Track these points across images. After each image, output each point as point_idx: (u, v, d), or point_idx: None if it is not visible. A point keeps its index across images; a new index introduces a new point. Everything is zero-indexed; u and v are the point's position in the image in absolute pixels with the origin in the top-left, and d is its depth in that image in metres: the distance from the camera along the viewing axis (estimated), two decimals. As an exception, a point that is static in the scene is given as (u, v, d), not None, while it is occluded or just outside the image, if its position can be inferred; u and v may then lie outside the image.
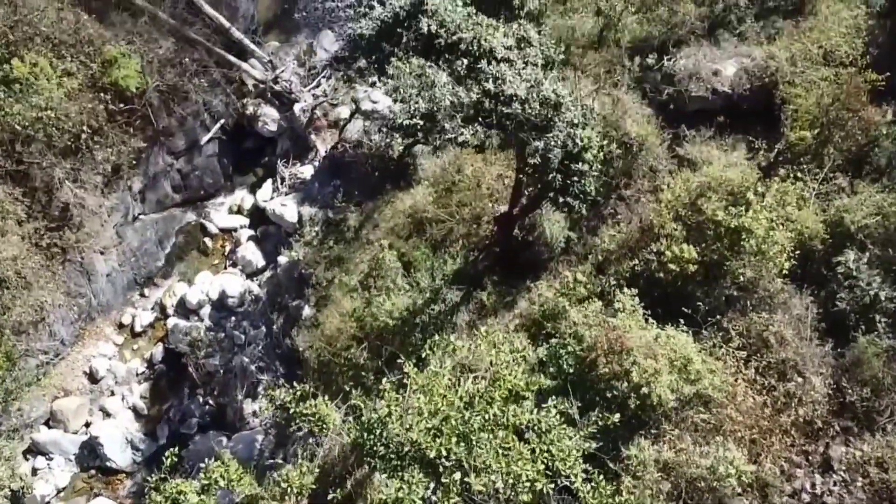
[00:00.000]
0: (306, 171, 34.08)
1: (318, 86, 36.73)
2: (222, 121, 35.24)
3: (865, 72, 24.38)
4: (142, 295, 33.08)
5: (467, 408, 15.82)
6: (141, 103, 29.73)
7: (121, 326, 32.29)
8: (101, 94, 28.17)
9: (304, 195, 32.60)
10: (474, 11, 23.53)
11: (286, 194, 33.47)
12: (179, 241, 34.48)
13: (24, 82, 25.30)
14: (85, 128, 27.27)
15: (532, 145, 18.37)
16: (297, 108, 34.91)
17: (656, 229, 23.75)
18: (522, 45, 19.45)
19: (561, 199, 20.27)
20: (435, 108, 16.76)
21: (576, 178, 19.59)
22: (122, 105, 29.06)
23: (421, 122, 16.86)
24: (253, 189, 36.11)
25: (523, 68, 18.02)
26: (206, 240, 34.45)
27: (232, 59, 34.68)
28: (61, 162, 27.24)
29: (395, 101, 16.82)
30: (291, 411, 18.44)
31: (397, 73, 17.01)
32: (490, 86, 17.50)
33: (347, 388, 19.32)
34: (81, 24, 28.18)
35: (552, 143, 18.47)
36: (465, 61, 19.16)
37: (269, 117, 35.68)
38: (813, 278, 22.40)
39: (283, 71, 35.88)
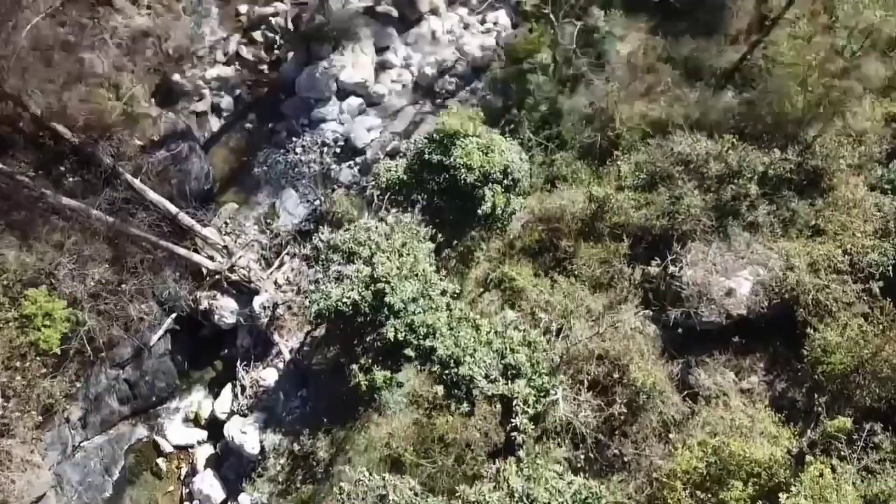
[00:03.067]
0: (269, 376, 31.90)
1: (281, 265, 34.68)
2: (173, 315, 33.05)
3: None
4: (86, 539, 30.60)
5: None
6: (71, 348, 27.51)
7: (61, 585, 29.74)
8: (19, 360, 25.84)
9: (267, 415, 30.51)
10: (455, 290, 21.77)
11: (248, 408, 31.19)
12: (130, 463, 31.94)
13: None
14: (0, 400, 25.03)
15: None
16: (257, 302, 32.74)
17: (670, 507, 21.71)
18: (510, 375, 17.71)
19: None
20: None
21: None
22: (45, 359, 26.70)
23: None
24: (211, 388, 33.87)
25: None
26: (160, 460, 32.06)
27: (181, 251, 32.67)
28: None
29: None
30: None
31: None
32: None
33: None
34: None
35: None
36: (441, 390, 17.46)
37: (226, 310, 33.47)
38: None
39: (240, 257, 33.77)
